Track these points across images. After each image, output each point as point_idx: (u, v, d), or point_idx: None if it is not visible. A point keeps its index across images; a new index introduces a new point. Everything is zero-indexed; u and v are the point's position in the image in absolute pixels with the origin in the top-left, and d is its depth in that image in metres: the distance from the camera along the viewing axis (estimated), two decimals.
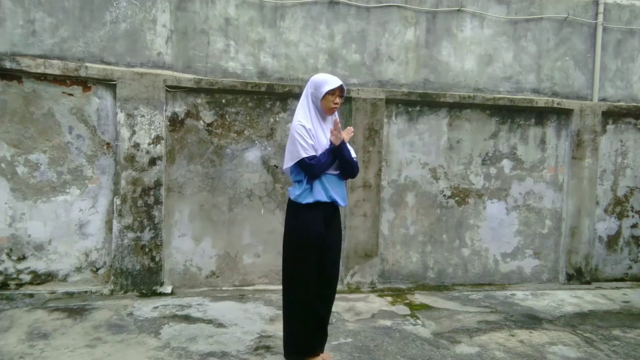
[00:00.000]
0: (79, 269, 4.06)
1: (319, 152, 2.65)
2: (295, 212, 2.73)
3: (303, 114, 2.70)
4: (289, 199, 2.78)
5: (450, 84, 4.72)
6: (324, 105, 2.69)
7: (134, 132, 4.01)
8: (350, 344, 3.15)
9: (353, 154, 2.79)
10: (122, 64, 4.05)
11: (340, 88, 2.70)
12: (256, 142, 4.34)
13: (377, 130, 4.43)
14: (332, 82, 2.66)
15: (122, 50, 4.05)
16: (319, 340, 2.80)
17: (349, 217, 4.41)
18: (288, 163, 2.71)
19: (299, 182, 2.73)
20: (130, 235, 4.02)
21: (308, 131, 2.63)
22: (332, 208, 2.77)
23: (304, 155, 2.60)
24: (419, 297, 4.25)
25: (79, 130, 4.00)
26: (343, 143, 2.67)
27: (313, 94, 2.70)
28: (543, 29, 4.87)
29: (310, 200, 2.68)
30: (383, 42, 4.56)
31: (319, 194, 2.68)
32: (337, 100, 2.70)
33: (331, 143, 2.65)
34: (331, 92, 2.66)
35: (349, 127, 2.78)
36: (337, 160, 2.67)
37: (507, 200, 4.85)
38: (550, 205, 4.94)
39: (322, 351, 2.83)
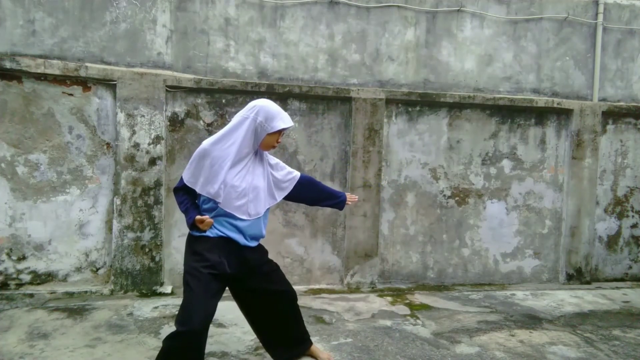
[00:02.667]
0: (79, 269, 4.06)
1: (229, 186, 2.29)
2: (191, 245, 2.47)
3: (231, 137, 2.32)
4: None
5: (450, 84, 4.72)
6: (267, 141, 2.39)
7: (134, 132, 4.01)
8: (350, 344, 3.15)
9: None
10: (122, 64, 4.05)
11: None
12: None
13: (377, 130, 4.43)
14: (287, 120, 2.39)
15: (122, 50, 4.05)
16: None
17: (349, 217, 4.41)
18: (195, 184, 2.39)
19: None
20: (130, 235, 4.02)
21: (212, 159, 2.29)
22: (241, 250, 2.47)
23: (181, 183, 2.41)
24: (419, 297, 4.25)
25: (79, 130, 4.00)
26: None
27: (260, 124, 2.32)
28: (543, 29, 4.87)
29: (209, 234, 2.39)
30: (383, 42, 4.56)
31: (224, 230, 2.41)
32: (280, 140, 2.46)
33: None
34: (280, 131, 2.40)
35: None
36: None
37: (507, 200, 4.85)
38: (550, 205, 4.94)
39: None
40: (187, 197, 2.42)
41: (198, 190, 2.34)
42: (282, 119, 2.37)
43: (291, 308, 2.71)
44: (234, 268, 2.41)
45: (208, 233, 2.35)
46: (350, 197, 2.78)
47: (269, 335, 2.72)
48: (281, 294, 2.62)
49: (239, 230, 2.39)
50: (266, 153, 2.52)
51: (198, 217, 2.31)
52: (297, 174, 2.64)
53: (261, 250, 2.63)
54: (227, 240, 2.37)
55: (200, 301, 2.27)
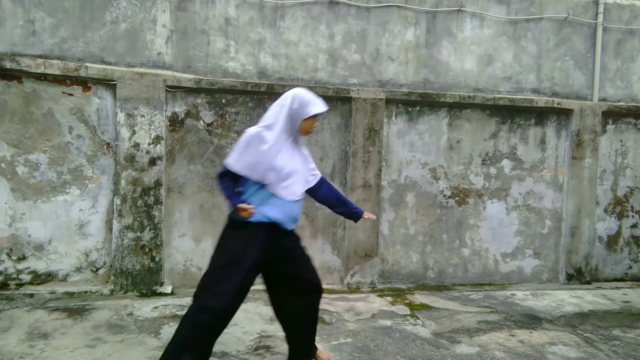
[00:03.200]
0: (79, 269, 4.06)
1: (285, 169, 2.44)
2: (232, 229, 2.55)
3: (271, 125, 2.46)
4: (229, 214, 2.60)
5: (450, 84, 4.72)
6: (304, 126, 2.52)
7: (134, 132, 4.01)
8: (350, 344, 3.15)
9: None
10: (122, 64, 4.05)
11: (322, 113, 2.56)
12: None
13: (377, 130, 4.43)
14: (320, 105, 2.51)
15: (122, 50, 4.05)
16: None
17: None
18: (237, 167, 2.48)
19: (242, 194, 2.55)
20: (130, 235, 4.02)
21: (257, 144, 2.41)
22: (283, 234, 2.57)
23: (225, 167, 2.46)
24: (419, 297, 4.25)
25: (79, 130, 4.00)
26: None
27: (296, 110, 2.47)
28: (543, 29, 4.87)
29: (253, 219, 2.45)
30: (383, 42, 4.56)
31: (269, 212, 2.48)
32: (316, 124, 2.63)
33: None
34: (315, 116, 2.52)
35: None
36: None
37: (507, 200, 4.85)
38: (550, 205, 4.94)
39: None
40: (231, 184, 2.49)
41: (245, 174, 2.42)
42: (316, 105, 2.50)
43: (312, 302, 2.69)
44: (272, 252, 2.51)
45: (250, 219, 2.41)
46: (368, 215, 2.82)
47: (289, 328, 2.73)
48: (307, 282, 2.66)
49: (283, 211, 2.49)
50: (302, 142, 2.66)
51: (241, 204, 2.37)
52: (319, 174, 2.76)
53: (296, 235, 2.71)
54: (268, 225, 2.45)
55: (236, 284, 2.38)
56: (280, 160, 2.44)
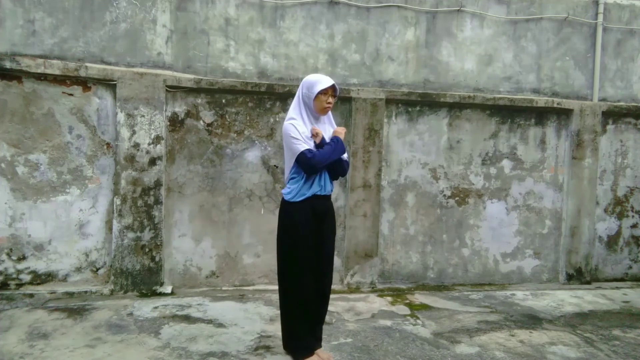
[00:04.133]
0: (79, 269, 4.06)
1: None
2: (288, 211, 2.75)
3: (295, 115, 2.71)
4: (282, 199, 2.79)
5: (450, 84, 4.72)
6: (317, 106, 2.70)
7: (134, 132, 4.01)
8: (350, 344, 3.15)
9: (345, 155, 2.83)
10: (122, 64, 4.05)
11: (333, 87, 2.69)
12: (256, 142, 4.34)
13: (377, 130, 4.43)
14: (324, 81, 2.65)
15: (122, 50, 4.05)
16: (314, 337, 2.84)
17: (349, 217, 4.41)
18: (290, 162, 2.71)
19: (293, 179, 2.74)
20: (130, 235, 4.02)
21: (298, 127, 2.65)
22: (325, 201, 2.82)
23: (302, 149, 2.61)
24: (419, 297, 4.25)
25: (79, 130, 4.00)
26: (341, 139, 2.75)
27: (305, 94, 2.69)
28: (543, 29, 4.87)
29: (303, 196, 2.70)
30: (383, 42, 4.56)
31: (314, 188, 2.73)
32: (330, 99, 2.70)
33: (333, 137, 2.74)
34: (324, 92, 2.66)
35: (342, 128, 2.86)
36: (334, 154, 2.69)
37: (507, 200, 4.85)
38: (550, 205, 4.94)
39: (319, 346, 2.87)
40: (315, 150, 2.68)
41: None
42: (320, 82, 2.65)
43: (329, 287, 2.94)
44: (319, 220, 2.77)
45: (298, 198, 2.70)
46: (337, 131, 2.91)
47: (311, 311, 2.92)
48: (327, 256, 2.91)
49: (321, 185, 2.76)
50: (333, 126, 2.88)
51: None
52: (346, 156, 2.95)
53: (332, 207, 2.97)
54: (312, 198, 2.72)
55: (309, 264, 2.72)
56: (311, 143, 2.67)
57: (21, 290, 3.85)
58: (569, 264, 4.91)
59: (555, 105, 4.79)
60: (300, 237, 2.70)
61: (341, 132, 2.79)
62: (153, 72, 4.03)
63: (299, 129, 2.65)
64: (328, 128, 2.83)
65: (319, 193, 2.73)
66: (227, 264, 4.34)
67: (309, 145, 2.65)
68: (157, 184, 4.07)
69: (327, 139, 2.76)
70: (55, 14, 3.91)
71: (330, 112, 2.84)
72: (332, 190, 2.86)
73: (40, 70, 3.80)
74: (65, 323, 3.33)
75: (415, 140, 4.65)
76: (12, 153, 3.87)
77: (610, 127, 5.07)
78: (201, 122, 4.23)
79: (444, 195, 4.72)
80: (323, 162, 2.64)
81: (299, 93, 2.74)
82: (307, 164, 2.62)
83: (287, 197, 2.75)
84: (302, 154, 2.60)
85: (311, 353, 2.78)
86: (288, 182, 2.78)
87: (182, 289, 4.20)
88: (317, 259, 2.77)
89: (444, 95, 4.56)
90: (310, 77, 2.71)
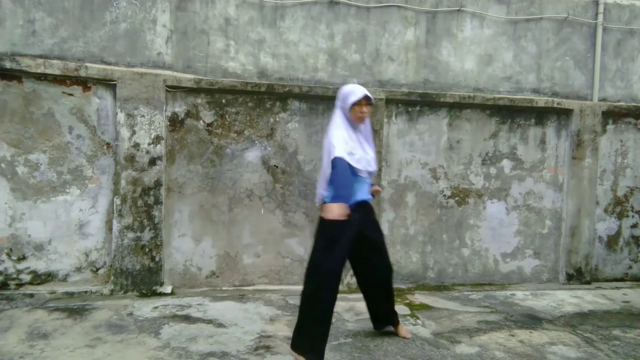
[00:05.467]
0: (79, 269, 4.06)
1: (355, 159, 2.78)
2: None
3: (336, 126, 2.85)
4: (324, 202, 2.84)
5: (450, 84, 4.72)
6: (353, 116, 2.84)
7: (134, 132, 4.01)
8: (350, 344, 3.15)
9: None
10: (122, 64, 4.05)
11: (366, 97, 2.81)
12: (256, 142, 4.34)
13: (377, 130, 4.43)
14: (357, 93, 2.79)
15: (122, 50, 4.05)
16: (326, 339, 2.89)
17: None
18: (326, 170, 2.79)
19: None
20: (130, 235, 4.02)
21: (341, 137, 2.78)
22: (366, 205, 2.99)
23: (336, 154, 2.69)
24: (419, 297, 4.25)
25: (79, 130, 4.00)
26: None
27: (342, 106, 2.86)
28: (543, 29, 4.87)
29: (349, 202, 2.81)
30: (383, 42, 4.56)
31: (357, 194, 2.87)
32: (364, 109, 2.83)
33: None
34: (357, 103, 2.80)
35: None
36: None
37: (507, 200, 4.85)
38: (550, 205, 4.94)
39: (395, 323, 3.31)
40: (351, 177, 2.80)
41: (353, 164, 2.79)
42: (353, 93, 2.80)
43: (385, 265, 3.16)
44: (360, 227, 2.91)
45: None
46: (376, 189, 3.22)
47: (373, 298, 3.22)
48: (378, 250, 3.12)
49: (363, 191, 2.93)
50: (369, 133, 3.02)
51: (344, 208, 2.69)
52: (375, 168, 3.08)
53: (374, 213, 3.20)
54: (358, 204, 2.87)
55: (343, 255, 2.86)
56: (356, 151, 2.82)
57: (21, 290, 3.85)
58: (569, 264, 4.91)
59: (555, 105, 4.79)
60: (343, 241, 2.83)
61: (330, 213, 2.67)
62: (153, 72, 4.04)
63: (342, 137, 2.78)
64: (364, 141, 2.96)
65: (359, 199, 2.89)
66: (227, 264, 4.34)
67: (343, 153, 2.72)
68: (157, 184, 4.07)
69: (365, 145, 2.92)
70: (55, 14, 3.91)
71: (368, 120, 2.98)
72: (369, 199, 3.01)
73: (40, 70, 3.80)
74: (65, 323, 3.34)
75: (415, 140, 4.65)
76: (12, 153, 3.87)
77: (610, 127, 5.07)
78: (201, 122, 4.23)
79: (444, 195, 4.72)
80: (340, 180, 2.69)
81: (336, 105, 2.92)
82: (334, 170, 2.70)
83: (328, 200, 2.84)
84: (336, 158, 2.69)
85: (315, 356, 2.79)
86: (329, 187, 2.86)
87: (182, 289, 4.20)
88: (369, 257, 3.07)
89: (444, 95, 4.56)
90: (345, 89, 2.87)
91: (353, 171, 2.78)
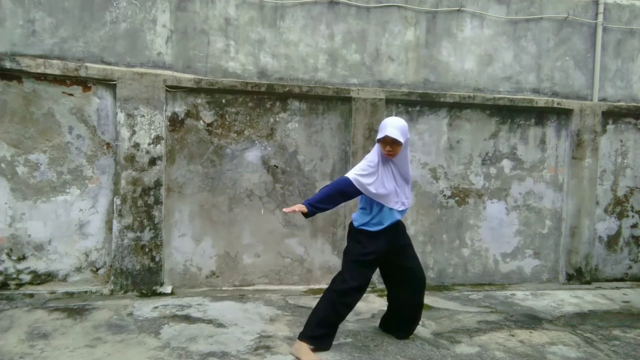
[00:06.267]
0: (79, 269, 4.06)
1: (384, 188, 2.85)
2: (355, 235, 3.02)
3: (373, 152, 2.92)
4: (351, 222, 3.06)
5: (450, 84, 4.72)
6: (382, 149, 2.86)
7: (134, 132, 4.01)
8: (350, 344, 3.15)
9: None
10: (122, 64, 4.05)
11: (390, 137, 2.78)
12: (256, 142, 4.34)
13: (377, 130, 4.42)
14: (382, 130, 2.79)
15: (122, 50, 4.05)
16: (334, 334, 3.06)
17: (349, 217, 4.40)
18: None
19: (363, 209, 3.00)
20: (130, 235, 4.02)
21: (368, 167, 2.85)
22: (395, 227, 3.02)
23: (347, 175, 2.85)
24: None
25: (79, 130, 4.00)
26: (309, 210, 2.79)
27: (377, 137, 2.87)
28: (543, 29, 4.87)
29: (371, 229, 2.94)
30: (383, 42, 4.56)
31: (381, 224, 2.94)
32: (389, 148, 2.82)
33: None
34: (382, 140, 2.81)
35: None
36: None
37: (507, 200, 4.85)
38: (550, 205, 4.94)
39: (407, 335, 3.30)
40: (341, 195, 2.86)
41: (371, 196, 2.89)
42: (381, 129, 2.82)
43: (418, 286, 3.15)
44: (389, 244, 2.99)
45: (370, 228, 2.94)
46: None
47: (397, 309, 3.24)
48: (417, 272, 3.14)
49: (390, 219, 2.96)
50: (407, 163, 3.01)
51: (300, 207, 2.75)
52: (409, 202, 3.10)
53: (407, 235, 3.20)
54: (384, 230, 2.95)
55: (357, 273, 2.96)
56: (383, 184, 2.86)
57: (21, 290, 3.85)
58: (569, 264, 4.91)
59: (555, 105, 4.79)
60: (367, 259, 2.96)
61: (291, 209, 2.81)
62: (153, 72, 4.04)
63: (369, 164, 2.86)
64: (396, 174, 2.95)
65: (385, 225, 2.96)
66: (227, 264, 4.34)
67: (353, 176, 2.82)
68: (157, 184, 4.07)
69: (395, 181, 2.93)
70: (55, 14, 3.91)
71: (402, 156, 2.92)
72: (393, 222, 2.99)
73: (40, 70, 3.80)
74: (65, 323, 3.33)
75: (415, 140, 4.64)
76: (12, 153, 3.87)
77: (610, 127, 5.07)
78: (201, 122, 4.23)
79: (444, 195, 4.72)
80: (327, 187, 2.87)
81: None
82: (347, 181, 2.85)
83: (355, 224, 3.02)
84: (343, 178, 2.85)
85: (317, 347, 2.94)
86: (359, 210, 3.05)
87: (182, 289, 4.20)
88: (399, 272, 3.12)
89: (444, 95, 4.56)
90: (382, 123, 2.87)
91: (373, 200, 2.89)
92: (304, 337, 2.94)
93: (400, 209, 2.97)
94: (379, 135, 2.80)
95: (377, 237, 2.95)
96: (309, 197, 2.85)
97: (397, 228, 3.05)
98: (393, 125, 2.77)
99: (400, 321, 3.24)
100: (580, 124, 4.86)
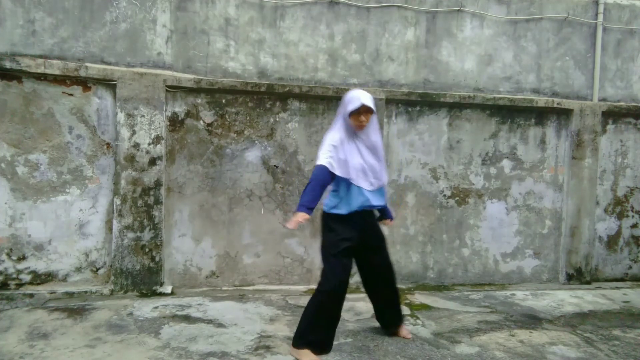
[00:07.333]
0: (79, 269, 4.06)
1: (349, 166, 2.78)
2: (326, 222, 2.93)
3: (335, 128, 2.86)
4: (322, 209, 2.95)
5: (450, 84, 4.72)
6: (353, 123, 2.81)
7: (134, 132, 4.01)
8: (350, 344, 3.15)
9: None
10: (122, 64, 4.05)
11: (366, 106, 2.76)
12: (256, 142, 4.34)
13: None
14: (355, 101, 2.75)
15: (122, 50, 4.05)
16: (331, 337, 3.00)
17: None
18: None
19: (333, 192, 2.91)
20: (130, 235, 4.02)
21: (332, 144, 2.77)
22: (366, 214, 2.97)
23: (319, 163, 2.73)
24: (419, 297, 4.25)
25: (79, 130, 4.00)
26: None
27: (343, 110, 2.83)
28: (543, 29, 4.87)
29: (341, 212, 2.86)
30: (383, 42, 4.56)
31: (352, 206, 2.85)
32: (362, 118, 2.78)
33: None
34: (356, 111, 2.76)
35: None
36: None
37: (507, 200, 4.85)
38: (550, 205, 4.94)
39: (399, 324, 3.29)
40: (322, 187, 2.76)
41: (340, 174, 2.78)
42: (352, 102, 2.76)
43: (389, 272, 3.17)
44: (360, 233, 2.92)
45: (340, 211, 2.85)
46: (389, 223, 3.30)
47: (378, 298, 3.23)
48: (380, 267, 3.13)
49: (363, 200, 2.87)
50: (378, 140, 2.97)
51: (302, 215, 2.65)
52: (385, 182, 3.03)
53: (378, 226, 3.17)
54: (355, 213, 2.87)
55: (339, 267, 2.88)
56: (352, 157, 2.79)
57: (21, 290, 3.85)
58: (569, 264, 4.91)
59: (555, 105, 4.79)
60: (340, 248, 2.86)
61: (294, 222, 2.64)
62: (153, 72, 4.04)
63: (334, 143, 2.77)
64: (364, 148, 2.88)
65: (353, 210, 2.87)
66: (227, 264, 4.34)
67: (325, 162, 2.72)
68: (157, 184, 4.07)
69: (366, 153, 2.87)
70: (55, 14, 3.91)
71: (376, 129, 2.92)
72: (377, 204, 2.96)
73: (40, 70, 3.80)
74: (65, 323, 3.33)
75: (415, 140, 4.65)
76: (12, 153, 3.87)
77: (610, 127, 5.07)
78: (201, 122, 4.23)
79: (444, 195, 4.72)
80: (307, 185, 2.73)
81: (340, 108, 2.89)
82: (320, 174, 2.74)
83: (325, 209, 2.93)
84: (317, 166, 2.74)
85: (315, 351, 2.87)
86: (330, 194, 2.95)
87: (182, 289, 4.20)
88: (370, 264, 3.11)
89: (444, 95, 4.56)
90: (347, 95, 2.83)
91: (341, 180, 2.80)
92: (301, 344, 2.88)
93: (369, 188, 2.87)
94: (353, 107, 2.73)
95: (348, 221, 2.86)
96: (301, 201, 2.68)
97: (370, 217, 3.02)
98: (365, 95, 2.76)
99: (387, 311, 3.26)
100: (580, 124, 4.86)
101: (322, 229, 2.98)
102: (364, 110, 2.76)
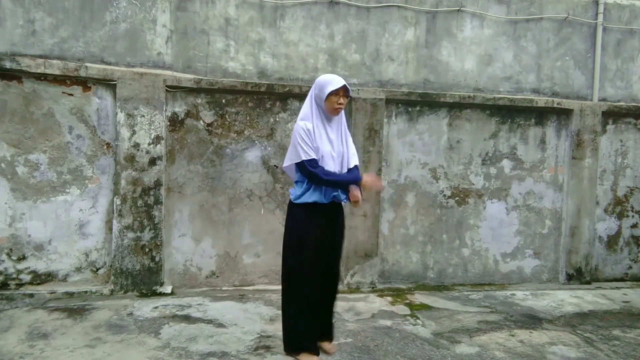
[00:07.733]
0: (79, 269, 4.06)
1: (321, 153, 2.67)
2: (294, 213, 2.78)
3: (306, 115, 2.72)
4: (289, 199, 2.83)
5: (450, 84, 4.72)
6: (328, 107, 2.70)
7: (134, 132, 4.01)
8: (350, 344, 3.15)
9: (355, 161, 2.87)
10: (122, 64, 4.05)
11: (344, 88, 2.69)
12: (256, 142, 4.34)
13: (377, 130, 4.43)
14: (335, 82, 2.66)
15: (122, 50, 4.05)
16: (317, 334, 2.86)
17: (349, 217, 4.41)
18: (287, 162, 2.76)
19: (298, 182, 2.78)
20: (130, 235, 4.02)
21: (309, 132, 2.65)
22: (332, 207, 2.80)
23: (304, 157, 2.62)
24: (419, 297, 4.25)
25: (79, 130, 4.00)
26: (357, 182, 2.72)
27: (317, 95, 2.71)
28: (543, 29, 4.87)
29: (308, 200, 2.72)
30: (383, 42, 4.56)
31: (318, 195, 2.72)
32: (341, 100, 2.70)
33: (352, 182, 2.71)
34: (335, 93, 2.66)
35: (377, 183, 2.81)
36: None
37: (507, 200, 4.85)
38: (550, 205, 4.94)
39: (330, 339, 2.99)
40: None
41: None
42: (330, 83, 2.66)
43: (337, 279, 2.99)
44: (326, 223, 2.78)
45: (308, 199, 2.72)
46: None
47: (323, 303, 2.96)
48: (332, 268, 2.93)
49: (326, 192, 2.75)
50: (344, 127, 2.86)
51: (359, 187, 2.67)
52: (356, 162, 2.90)
53: (343, 222, 2.98)
54: (323, 205, 2.75)
55: (312, 256, 2.72)
56: (321, 145, 2.67)
57: (21, 290, 3.85)
58: (569, 264, 4.91)
59: (555, 105, 4.79)
60: (306, 239, 2.71)
61: (369, 183, 2.73)
62: (153, 72, 4.04)
63: (309, 132, 2.65)
64: (337, 129, 2.80)
65: (319, 201, 2.73)
66: (227, 264, 4.34)
67: (312, 155, 2.63)
68: (157, 184, 4.07)
69: (335, 140, 2.75)
70: (55, 14, 3.91)
71: (342, 113, 2.82)
72: (343, 198, 2.81)
73: (40, 70, 3.80)
74: (65, 323, 3.34)
75: (415, 140, 4.65)
76: (12, 153, 3.87)
77: (610, 127, 5.07)
78: (201, 122, 4.23)
79: (444, 195, 4.72)
80: (323, 179, 2.63)
81: (311, 93, 2.76)
82: (306, 174, 2.67)
83: (292, 199, 2.81)
84: (302, 163, 2.63)
85: (310, 352, 2.80)
86: (295, 183, 2.83)
87: (182, 289, 4.20)
88: (325, 262, 2.79)
89: (444, 95, 4.56)
90: (322, 78, 2.73)
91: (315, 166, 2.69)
92: (292, 350, 2.81)
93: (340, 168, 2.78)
94: (333, 88, 2.62)
95: (315, 211, 2.73)
96: (342, 180, 2.70)
97: (337, 210, 2.85)
98: (340, 78, 2.69)
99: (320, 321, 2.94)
100: (580, 124, 4.86)
101: (288, 220, 2.83)
102: (343, 92, 2.68)
